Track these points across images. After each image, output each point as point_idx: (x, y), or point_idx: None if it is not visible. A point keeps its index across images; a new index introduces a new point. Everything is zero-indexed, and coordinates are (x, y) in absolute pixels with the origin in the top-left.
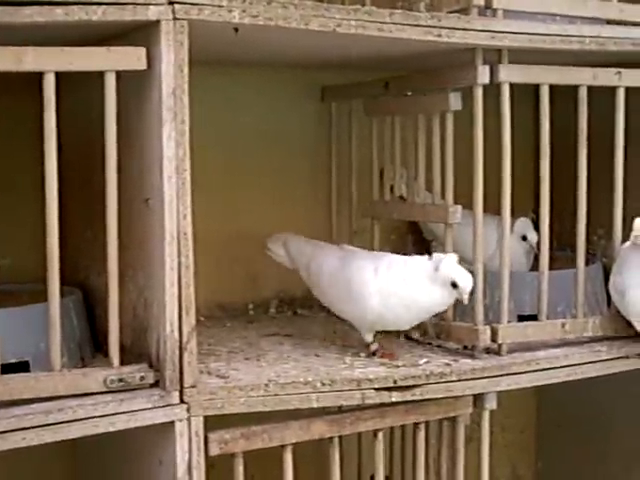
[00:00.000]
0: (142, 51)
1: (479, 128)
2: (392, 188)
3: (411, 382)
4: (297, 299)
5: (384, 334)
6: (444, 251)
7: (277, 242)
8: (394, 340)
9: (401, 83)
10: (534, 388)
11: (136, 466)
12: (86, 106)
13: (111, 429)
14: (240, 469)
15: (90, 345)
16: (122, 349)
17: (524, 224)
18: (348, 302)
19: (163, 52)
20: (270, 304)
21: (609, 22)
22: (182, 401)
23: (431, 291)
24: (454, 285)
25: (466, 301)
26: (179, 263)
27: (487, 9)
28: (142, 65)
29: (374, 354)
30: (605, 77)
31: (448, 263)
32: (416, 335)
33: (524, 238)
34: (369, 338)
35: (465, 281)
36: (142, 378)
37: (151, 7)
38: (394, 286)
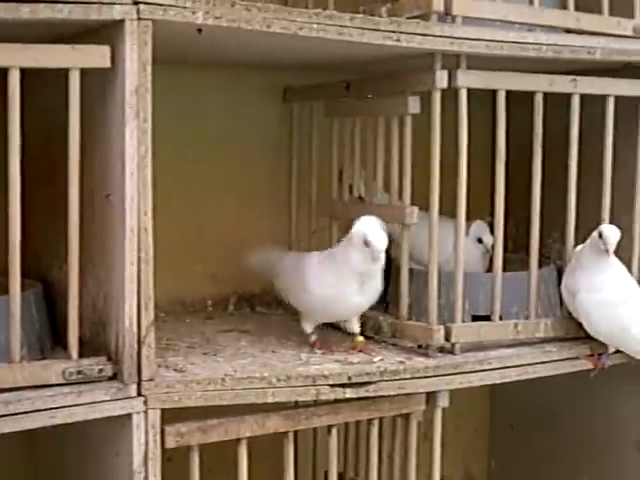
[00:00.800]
0: (106, 49)
1: (437, 131)
2: (351, 188)
3: (365, 379)
4: (255, 296)
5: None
6: (400, 252)
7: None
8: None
9: (362, 85)
10: (488, 388)
11: (93, 458)
12: (50, 102)
13: (69, 420)
14: (196, 462)
15: (50, 338)
16: (81, 342)
17: (480, 227)
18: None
19: (127, 51)
20: (229, 301)
21: (567, 31)
22: (139, 394)
23: (351, 255)
24: (366, 244)
25: (376, 260)
26: (139, 258)
27: (447, 15)
28: (106, 63)
29: (313, 345)
30: (561, 84)
31: (362, 222)
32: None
33: (480, 241)
34: (309, 329)
35: (374, 236)
36: (100, 371)
37: (116, 7)
38: (329, 268)
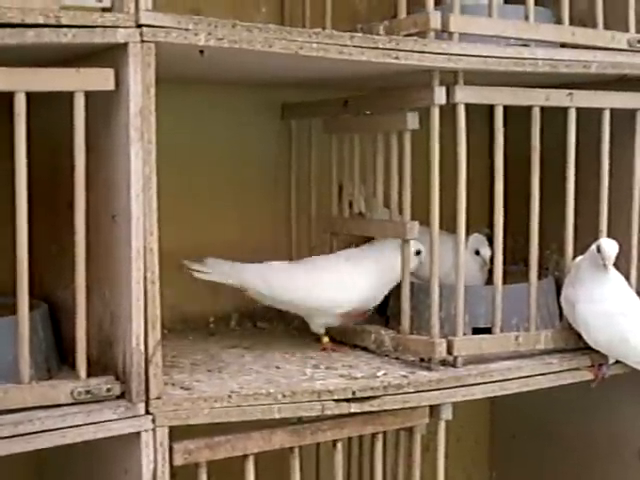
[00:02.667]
0: (110, 72)
1: (436, 147)
2: (351, 204)
3: (369, 393)
4: (257, 312)
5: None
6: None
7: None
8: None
9: (360, 102)
10: (489, 399)
11: (102, 476)
12: (54, 124)
13: (78, 439)
14: (204, 478)
15: (56, 357)
16: (88, 362)
17: (477, 240)
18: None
19: (131, 73)
20: (231, 317)
21: (562, 45)
22: (147, 412)
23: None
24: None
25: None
26: (145, 278)
27: (443, 32)
28: (110, 86)
29: (324, 349)
30: (557, 98)
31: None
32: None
33: (477, 253)
34: (322, 330)
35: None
36: (108, 390)
37: (120, 30)
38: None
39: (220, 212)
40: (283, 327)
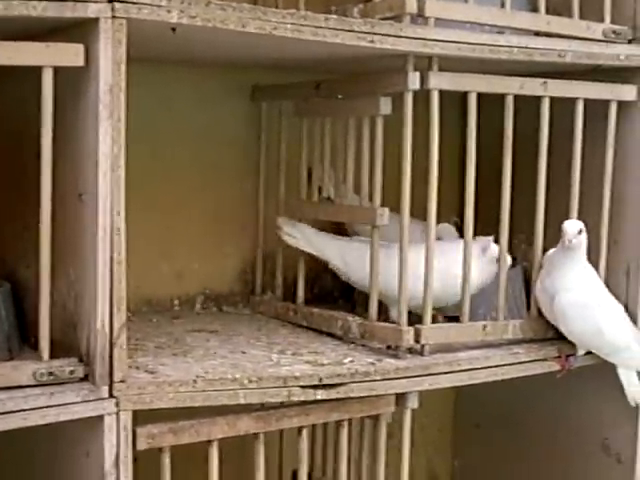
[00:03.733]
0: (80, 48)
1: (408, 133)
2: (320, 189)
3: (336, 380)
4: (222, 296)
5: None
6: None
7: (291, 227)
8: None
9: (332, 86)
10: (453, 388)
11: (64, 458)
12: (22, 100)
13: (41, 422)
14: (167, 463)
15: (18, 337)
16: (51, 343)
17: (444, 228)
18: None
19: (101, 49)
20: (196, 300)
21: (537, 34)
22: (111, 395)
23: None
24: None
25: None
26: (111, 259)
27: (419, 17)
28: (80, 62)
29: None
30: (531, 87)
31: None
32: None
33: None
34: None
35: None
36: (72, 372)
37: (91, 5)
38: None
39: (188, 193)
40: (249, 311)
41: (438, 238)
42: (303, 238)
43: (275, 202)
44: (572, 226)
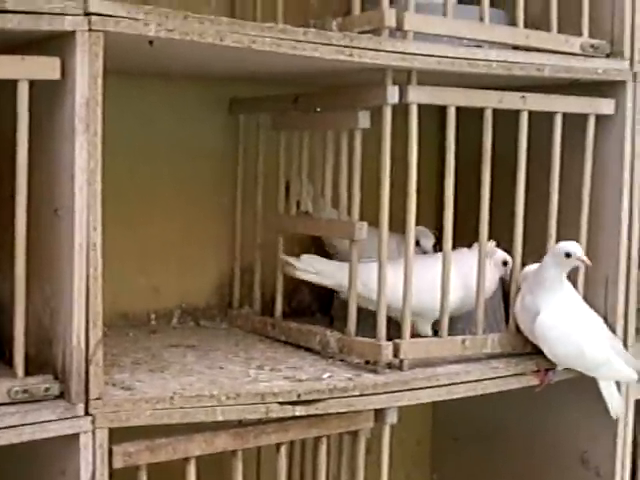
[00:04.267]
0: (56, 61)
1: (387, 146)
2: (298, 204)
3: (315, 396)
4: (199, 310)
5: None
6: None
7: (305, 263)
8: None
9: (310, 99)
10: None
11: (39, 477)
12: None
13: (15, 441)
14: None
15: None
16: (26, 359)
17: (419, 231)
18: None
19: (78, 63)
20: (173, 314)
21: (515, 47)
22: (87, 413)
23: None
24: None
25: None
26: (87, 274)
27: (398, 31)
28: (56, 75)
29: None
30: (510, 100)
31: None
32: None
33: (417, 243)
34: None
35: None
36: (47, 389)
37: (67, 17)
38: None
39: (164, 208)
40: (227, 325)
41: (417, 242)
42: (314, 270)
43: (253, 216)
44: (579, 248)
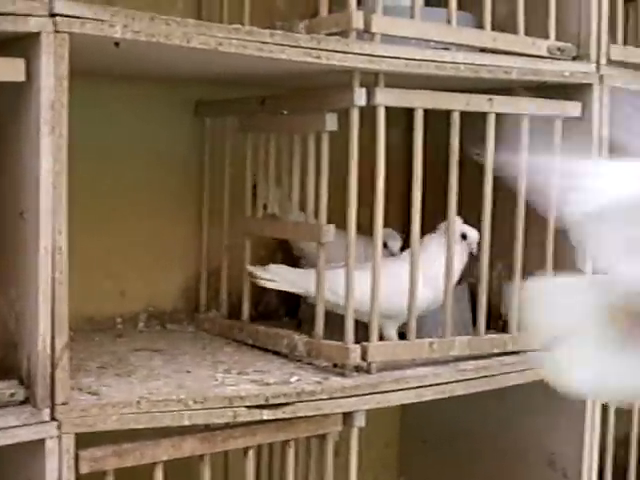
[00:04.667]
0: (21, 62)
1: (354, 149)
2: (265, 206)
3: (282, 400)
4: (166, 314)
5: None
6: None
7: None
8: None
9: (277, 101)
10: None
11: None
12: None
13: None
14: None
15: None
16: None
17: (386, 233)
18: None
19: (43, 65)
20: (139, 318)
21: (482, 50)
22: (53, 418)
23: None
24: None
25: None
26: (53, 278)
27: (365, 33)
28: (21, 77)
29: None
30: (477, 103)
31: None
32: None
33: (385, 245)
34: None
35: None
36: (12, 395)
37: (32, 19)
38: None
39: (130, 210)
40: (193, 329)
41: (384, 244)
42: (282, 280)
43: (219, 219)
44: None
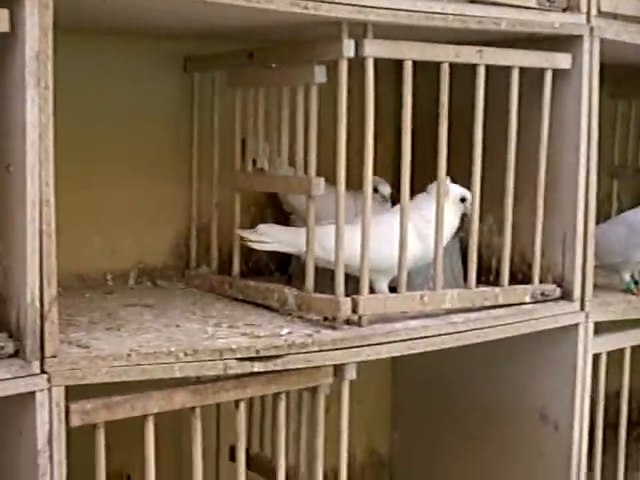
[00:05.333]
0: (5, 13)
1: (343, 101)
2: (255, 162)
3: (273, 352)
4: (157, 270)
5: None
6: (303, 224)
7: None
8: None
9: (266, 54)
10: (390, 360)
11: None
12: None
13: None
14: (101, 439)
15: None
16: None
17: (375, 179)
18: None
19: (27, 15)
20: (129, 275)
21: (472, 1)
22: (43, 371)
23: None
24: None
25: None
26: (41, 231)
27: None
28: (5, 27)
29: None
30: (467, 55)
31: None
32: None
33: (376, 190)
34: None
35: None
36: (1, 348)
37: None
38: None
39: (119, 167)
40: (184, 285)
41: (375, 189)
42: (272, 240)
43: (209, 175)
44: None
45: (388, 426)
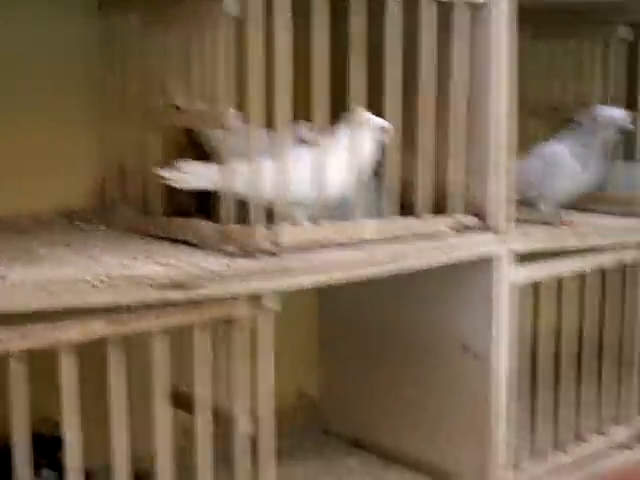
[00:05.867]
0: None
1: (258, 36)
2: (171, 100)
3: (189, 280)
4: (76, 212)
5: None
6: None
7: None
8: None
9: None
10: (317, 294)
11: None
12: None
13: None
14: (16, 369)
15: None
16: None
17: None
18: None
19: None
20: (48, 217)
21: None
22: None
23: None
24: None
25: None
26: None
27: None
28: None
29: None
30: None
31: None
32: None
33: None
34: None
35: None
36: None
37: None
38: None
39: (36, 108)
40: (104, 227)
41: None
42: (191, 176)
43: (127, 115)
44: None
45: (315, 361)
